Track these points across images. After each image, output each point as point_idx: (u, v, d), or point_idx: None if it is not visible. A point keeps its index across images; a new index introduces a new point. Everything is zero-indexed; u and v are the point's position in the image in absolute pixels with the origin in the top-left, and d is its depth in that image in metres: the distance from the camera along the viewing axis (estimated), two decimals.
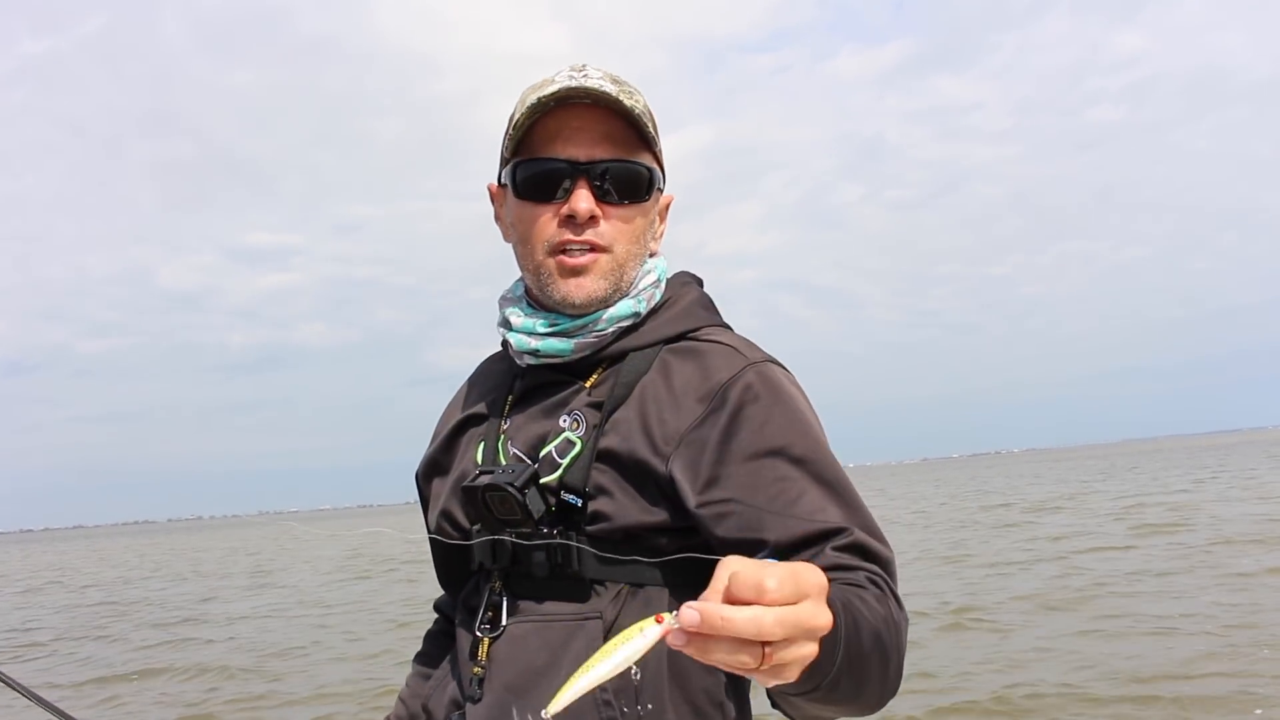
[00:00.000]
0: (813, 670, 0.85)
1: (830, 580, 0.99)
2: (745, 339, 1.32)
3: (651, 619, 0.79)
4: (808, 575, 0.79)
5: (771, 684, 0.83)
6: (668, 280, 1.38)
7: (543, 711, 0.82)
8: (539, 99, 1.22)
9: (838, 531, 1.12)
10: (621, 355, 1.29)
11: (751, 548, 1.08)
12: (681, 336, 1.31)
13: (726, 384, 1.21)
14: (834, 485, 1.17)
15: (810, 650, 0.80)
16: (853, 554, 1.10)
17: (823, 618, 0.80)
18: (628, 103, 1.22)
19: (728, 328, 1.37)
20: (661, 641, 1.12)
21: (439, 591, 1.50)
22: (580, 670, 0.78)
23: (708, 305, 1.38)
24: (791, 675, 0.81)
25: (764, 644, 0.75)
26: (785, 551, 1.11)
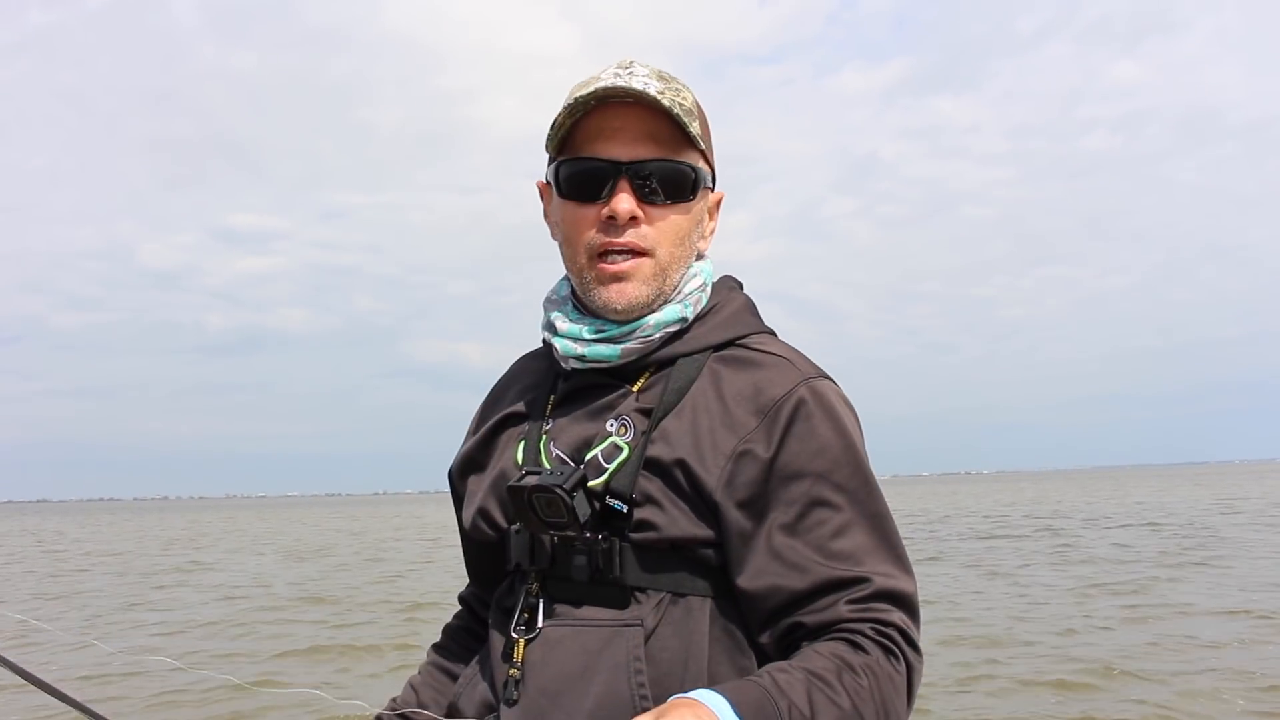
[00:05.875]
0: None
1: (830, 637, 1.12)
2: (795, 350, 1.30)
3: None
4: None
5: None
6: (715, 284, 1.36)
7: None
8: (577, 98, 1.20)
9: (858, 582, 1.14)
10: (670, 360, 1.27)
11: (771, 595, 1.15)
12: (730, 343, 1.29)
13: (780, 400, 1.20)
14: (870, 517, 1.18)
15: None
16: (866, 604, 1.13)
17: None
18: (667, 101, 1.20)
19: (773, 334, 1.35)
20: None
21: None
22: None
23: (754, 311, 1.36)
24: None
25: None
26: (802, 598, 1.14)
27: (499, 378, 1.48)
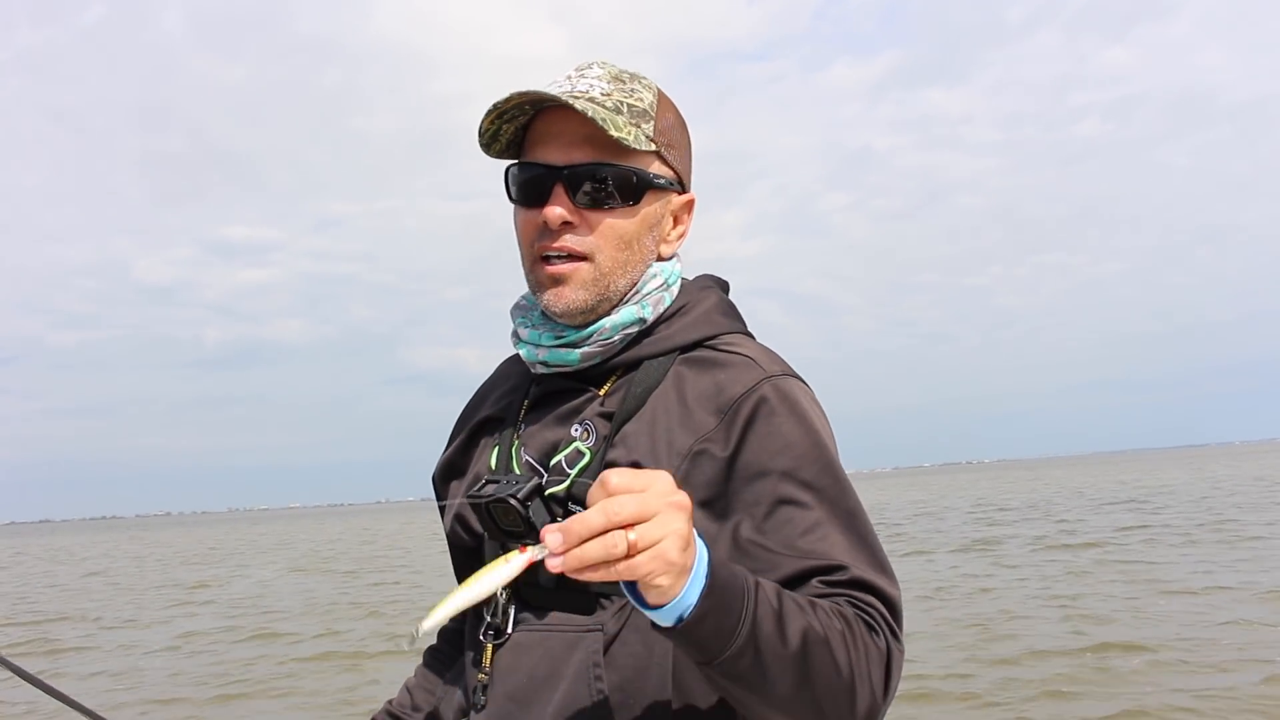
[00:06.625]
0: (716, 626, 0.92)
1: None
2: (765, 349, 1.27)
3: (516, 549, 0.91)
4: (651, 471, 0.90)
5: (658, 572, 0.87)
6: (687, 284, 1.33)
7: (413, 628, 0.90)
8: (494, 104, 1.19)
9: (834, 569, 1.09)
10: (636, 363, 1.25)
11: None
12: (698, 344, 1.26)
13: (740, 398, 1.17)
14: (843, 514, 1.14)
15: (677, 525, 0.88)
16: (843, 587, 1.09)
17: (674, 496, 0.89)
18: (582, 104, 1.16)
19: (749, 335, 1.32)
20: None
21: None
22: (448, 595, 0.89)
23: (727, 311, 1.32)
24: (672, 552, 0.87)
25: (626, 529, 0.85)
26: None
27: (483, 381, 1.49)
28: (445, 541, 1.41)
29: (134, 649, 11.27)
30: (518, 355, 1.40)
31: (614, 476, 0.87)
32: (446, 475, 1.41)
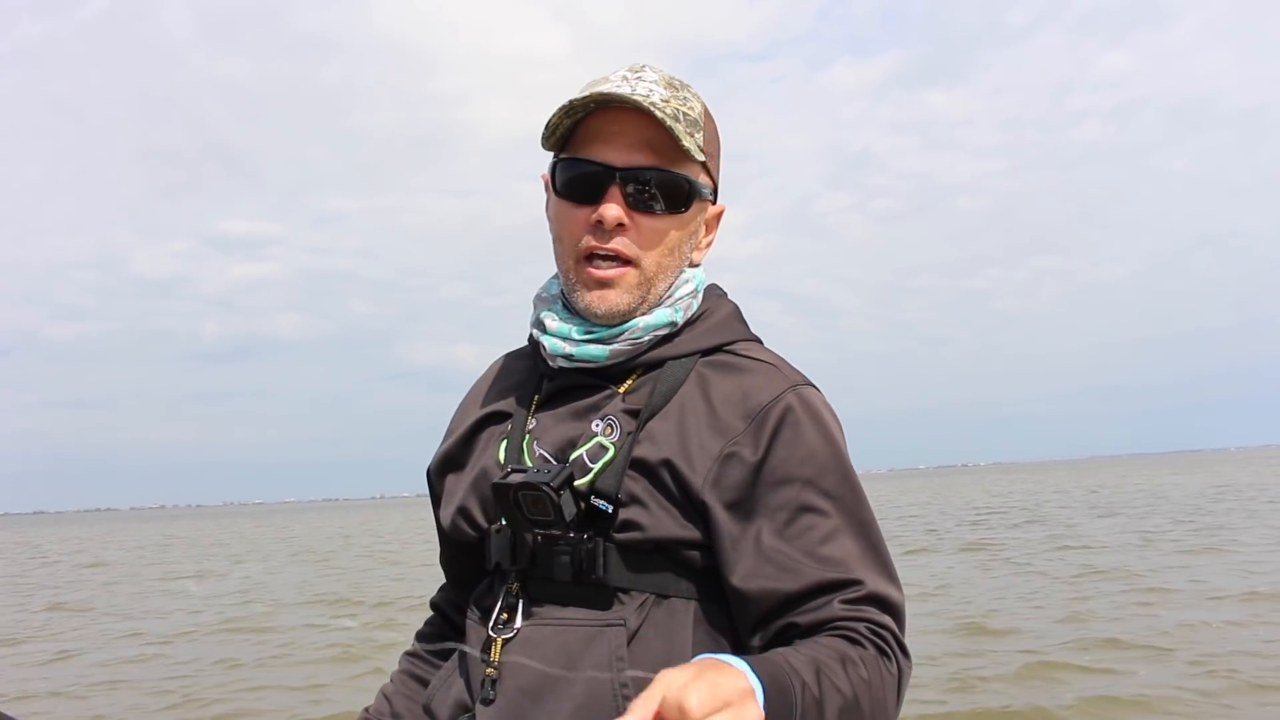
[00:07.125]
0: None
1: (827, 633, 1.13)
2: (781, 357, 1.30)
3: None
4: (726, 684, 0.91)
5: None
6: (707, 290, 1.36)
7: None
8: (572, 101, 1.20)
9: (850, 584, 1.14)
10: (658, 363, 1.27)
11: (763, 598, 1.16)
12: (718, 349, 1.29)
13: (768, 405, 1.21)
14: (857, 523, 1.19)
15: None
16: (859, 605, 1.14)
17: (748, 711, 0.91)
18: (670, 110, 1.19)
19: (759, 341, 1.35)
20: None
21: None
22: None
23: (741, 318, 1.36)
24: None
25: None
26: (795, 599, 1.15)
27: (479, 376, 1.47)
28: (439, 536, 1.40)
29: (132, 640, 11.32)
30: (519, 350, 1.43)
31: (694, 703, 0.87)
32: (444, 469, 1.39)
